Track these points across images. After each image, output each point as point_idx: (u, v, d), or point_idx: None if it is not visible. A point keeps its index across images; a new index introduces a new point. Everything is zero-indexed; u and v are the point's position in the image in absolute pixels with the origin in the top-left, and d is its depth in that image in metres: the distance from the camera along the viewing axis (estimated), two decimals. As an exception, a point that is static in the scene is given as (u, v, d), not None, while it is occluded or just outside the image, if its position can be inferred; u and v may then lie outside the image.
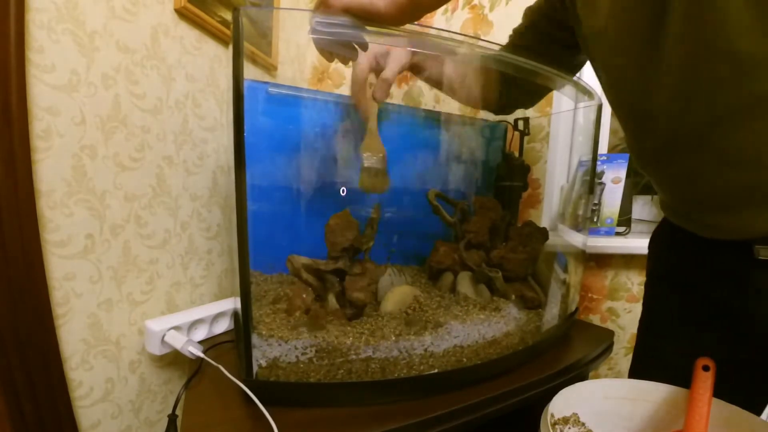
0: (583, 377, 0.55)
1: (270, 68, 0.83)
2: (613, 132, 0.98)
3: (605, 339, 0.63)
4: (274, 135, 0.62)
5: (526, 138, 0.83)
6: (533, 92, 0.67)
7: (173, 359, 0.62)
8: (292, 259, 0.53)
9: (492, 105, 0.67)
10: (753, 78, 0.31)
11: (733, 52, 0.31)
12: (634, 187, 0.93)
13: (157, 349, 0.54)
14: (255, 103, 0.61)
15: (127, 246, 0.54)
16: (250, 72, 0.78)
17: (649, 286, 0.55)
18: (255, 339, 0.42)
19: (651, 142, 0.42)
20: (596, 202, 0.86)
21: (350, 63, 0.49)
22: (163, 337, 0.54)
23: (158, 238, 0.58)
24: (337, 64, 0.97)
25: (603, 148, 0.94)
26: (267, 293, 0.56)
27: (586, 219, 0.70)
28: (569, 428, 0.42)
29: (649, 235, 0.57)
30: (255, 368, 0.41)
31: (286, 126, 0.63)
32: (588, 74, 0.86)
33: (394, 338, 0.45)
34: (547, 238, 0.66)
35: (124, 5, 0.51)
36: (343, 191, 0.63)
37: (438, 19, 0.93)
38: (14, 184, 0.40)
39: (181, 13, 0.59)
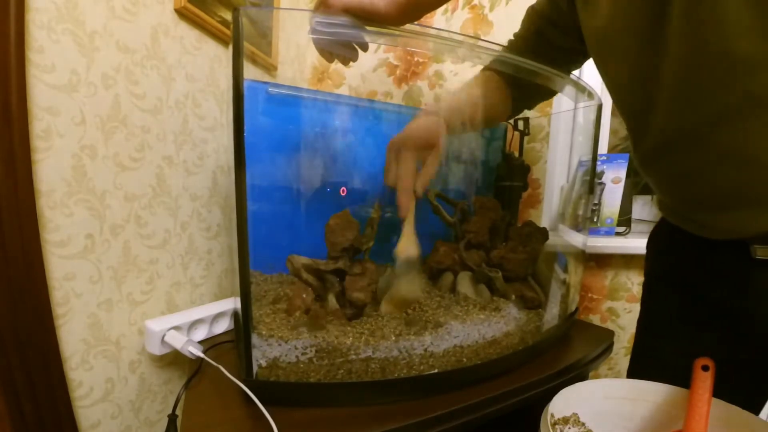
0: (583, 377, 0.55)
1: (270, 68, 0.83)
2: (613, 132, 0.98)
3: (605, 339, 0.63)
4: (274, 135, 0.62)
5: (526, 138, 0.83)
6: (542, 92, 0.67)
7: (173, 359, 0.62)
8: (292, 259, 0.53)
9: (506, 115, 0.67)
10: (752, 78, 0.31)
11: (733, 53, 0.31)
12: (634, 187, 0.93)
13: (157, 349, 0.54)
14: (255, 103, 0.61)
15: (127, 246, 0.54)
16: (250, 72, 0.78)
17: (647, 286, 0.55)
18: (255, 339, 0.42)
19: (651, 141, 0.42)
20: (596, 202, 0.86)
21: (350, 63, 0.49)
22: (163, 337, 0.54)
23: (158, 238, 0.58)
24: (337, 65, 0.97)
25: (603, 148, 0.95)
26: (267, 293, 0.56)
27: (586, 219, 0.70)
28: (569, 428, 0.42)
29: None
30: (255, 368, 0.41)
31: (286, 126, 0.63)
32: (588, 74, 0.86)
33: (394, 338, 0.45)
34: (547, 238, 0.66)
35: (124, 5, 0.51)
36: (343, 191, 0.63)
37: (438, 19, 0.93)
38: (14, 184, 0.40)
39: (181, 13, 0.59)
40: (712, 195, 0.39)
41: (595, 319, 0.91)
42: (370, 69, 0.97)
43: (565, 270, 0.66)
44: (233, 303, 0.62)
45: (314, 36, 0.43)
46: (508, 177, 0.79)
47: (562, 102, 0.86)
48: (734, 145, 0.35)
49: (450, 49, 0.57)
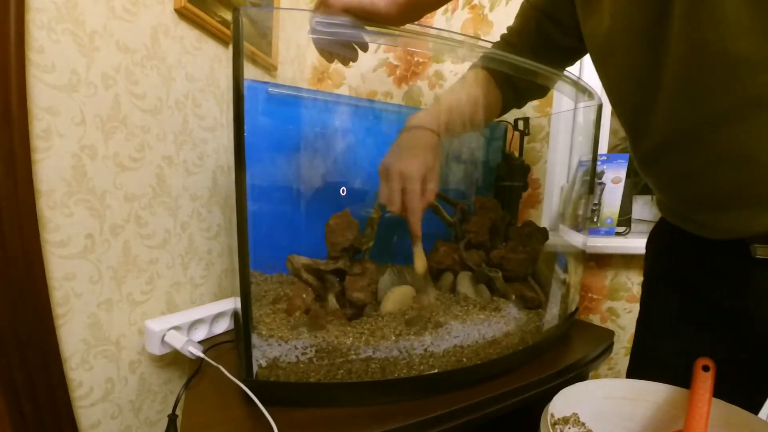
0: (583, 377, 0.55)
1: (270, 68, 0.83)
2: (613, 132, 0.98)
3: (605, 339, 0.63)
4: (274, 135, 0.62)
5: (526, 138, 0.83)
6: (534, 90, 0.66)
7: (173, 359, 0.62)
8: (292, 259, 0.53)
9: (497, 113, 0.66)
10: (752, 79, 0.31)
11: (733, 53, 0.31)
12: (634, 187, 0.93)
13: (157, 349, 0.54)
14: (255, 103, 0.61)
15: (127, 246, 0.54)
16: (250, 72, 0.78)
17: (646, 286, 0.55)
18: (255, 339, 0.42)
19: (651, 142, 0.42)
20: (596, 202, 0.86)
21: (350, 63, 0.49)
22: (163, 337, 0.54)
23: (158, 238, 0.58)
24: (337, 65, 0.97)
25: (603, 148, 0.95)
26: (267, 293, 0.56)
27: (586, 219, 0.70)
28: (569, 428, 0.42)
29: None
30: (255, 368, 0.41)
31: (286, 126, 0.63)
32: (588, 74, 0.86)
33: (394, 338, 0.45)
34: (547, 238, 0.66)
35: (124, 5, 0.51)
36: (343, 191, 0.63)
37: (438, 19, 0.93)
38: (14, 184, 0.40)
39: (181, 13, 0.59)
40: (712, 195, 0.39)
41: (595, 319, 0.91)
42: (370, 69, 0.97)
43: (565, 270, 0.66)
44: (233, 303, 0.62)
45: (314, 36, 0.43)
46: (508, 177, 0.79)
47: (562, 102, 0.86)
48: (734, 145, 0.35)
49: (450, 49, 0.57)
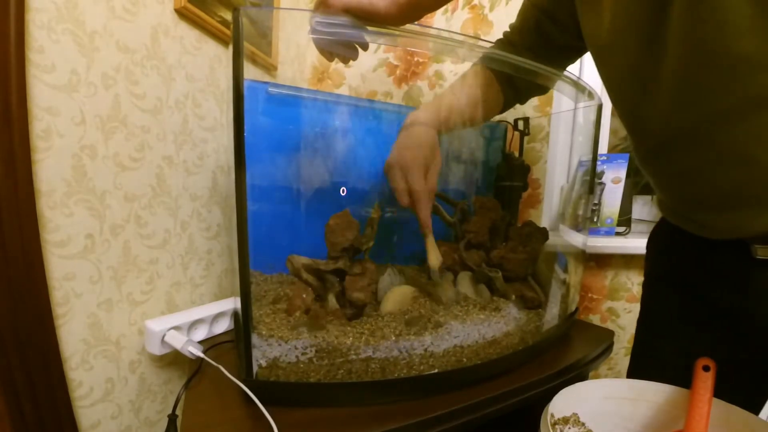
0: (583, 377, 0.55)
1: (270, 68, 0.83)
2: (613, 132, 0.98)
3: (605, 339, 0.63)
4: (274, 135, 0.62)
5: (526, 138, 0.83)
6: (534, 89, 0.66)
7: (173, 359, 0.62)
8: (292, 259, 0.53)
9: (498, 111, 0.66)
10: (752, 79, 0.31)
11: (733, 53, 0.31)
12: (634, 187, 0.93)
13: (157, 349, 0.54)
14: (255, 103, 0.61)
15: (127, 246, 0.54)
16: (250, 72, 0.78)
17: (647, 286, 0.55)
18: (255, 339, 0.42)
19: (651, 141, 0.42)
20: (596, 202, 0.86)
21: (350, 63, 0.49)
22: (163, 337, 0.54)
23: (158, 238, 0.58)
24: (337, 64, 0.97)
25: (603, 148, 0.95)
26: (267, 293, 0.56)
27: (586, 219, 0.70)
28: (569, 428, 0.42)
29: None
30: (255, 368, 0.41)
31: (286, 126, 0.63)
32: (588, 74, 0.86)
33: (394, 338, 0.45)
34: (547, 238, 0.66)
35: (124, 5, 0.51)
36: (343, 191, 0.63)
37: (438, 19, 0.93)
38: (14, 184, 0.40)
39: (181, 13, 0.59)
40: (712, 195, 0.39)
41: (595, 319, 0.91)
42: (370, 69, 0.97)
43: (565, 270, 0.66)
44: (233, 303, 0.62)
45: (314, 36, 0.43)
46: (508, 177, 0.79)
47: (562, 102, 0.86)
48: (734, 144, 0.35)
49: (450, 49, 0.57)
